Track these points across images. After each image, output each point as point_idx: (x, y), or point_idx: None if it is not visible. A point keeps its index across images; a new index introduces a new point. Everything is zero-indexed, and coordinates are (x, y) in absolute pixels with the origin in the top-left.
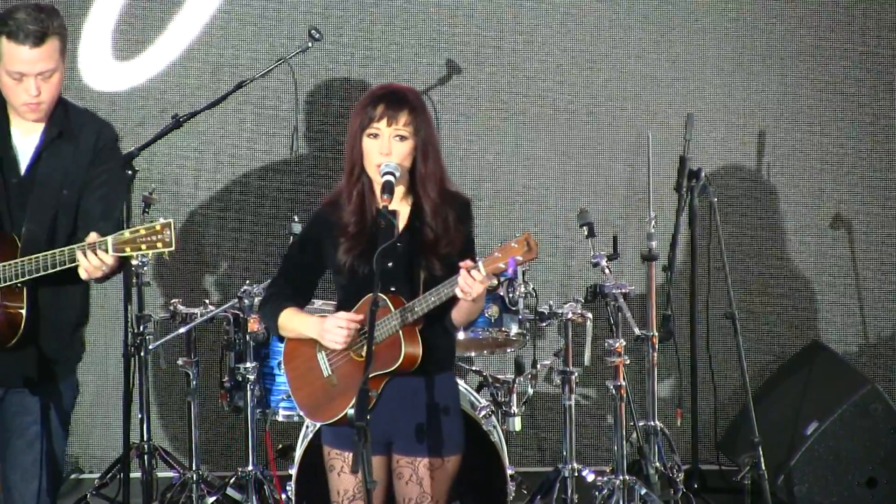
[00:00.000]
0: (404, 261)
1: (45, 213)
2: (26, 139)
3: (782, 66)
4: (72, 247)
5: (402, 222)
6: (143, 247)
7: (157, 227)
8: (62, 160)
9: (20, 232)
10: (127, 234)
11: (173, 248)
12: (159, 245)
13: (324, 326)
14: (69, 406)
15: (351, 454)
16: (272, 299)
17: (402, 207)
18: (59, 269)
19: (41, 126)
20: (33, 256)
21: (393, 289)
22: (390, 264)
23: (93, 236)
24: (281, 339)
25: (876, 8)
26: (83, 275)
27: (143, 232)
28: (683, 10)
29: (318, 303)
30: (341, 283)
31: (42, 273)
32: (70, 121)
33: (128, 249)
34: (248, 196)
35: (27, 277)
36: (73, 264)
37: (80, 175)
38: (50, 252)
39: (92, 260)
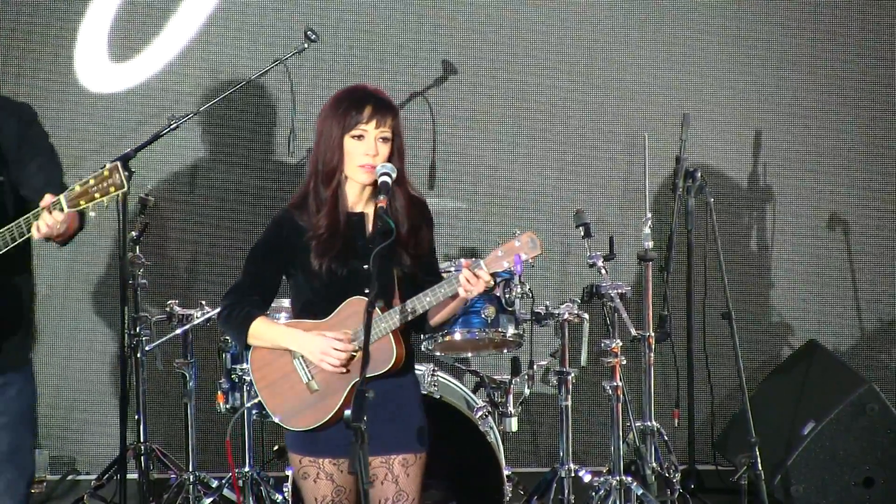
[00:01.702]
0: (380, 261)
1: None
2: None
3: (778, 66)
4: (26, 216)
5: (370, 224)
6: (98, 195)
7: (105, 173)
8: None
9: None
10: (77, 187)
11: (126, 189)
12: (112, 189)
13: (318, 348)
14: (31, 396)
15: (326, 460)
16: (237, 307)
17: (368, 209)
18: (19, 241)
19: None
20: None
21: (367, 290)
22: (365, 266)
23: (47, 198)
24: (246, 348)
25: (873, 7)
26: (37, 235)
27: (92, 182)
28: (680, 11)
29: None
30: (313, 286)
31: (4, 250)
32: None
33: (82, 202)
34: (244, 197)
35: None
36: (31, 234)
37: (10, 158)
38: (6, 227)
39: (47, 219)
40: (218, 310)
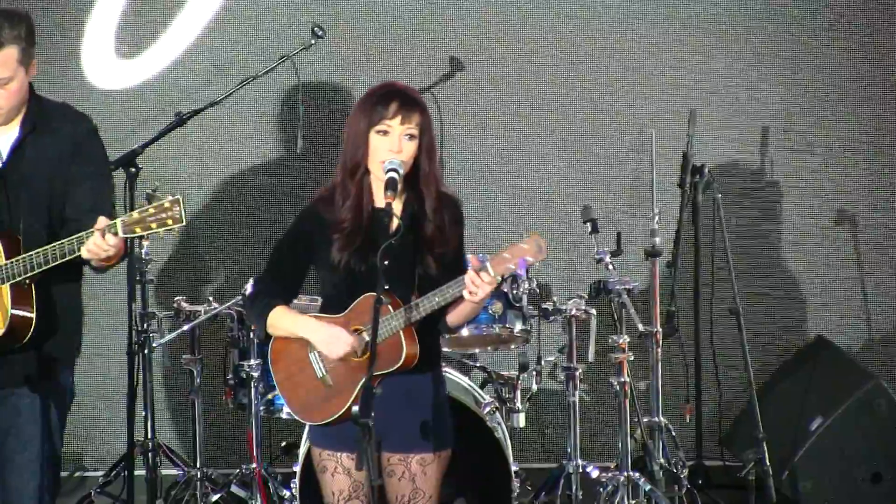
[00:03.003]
0: (400, 259)
1: (39, 206)
2: (3, 137)
3: (785, 62)
4: (80, 234)
5: (395, 220)
6: (154, 225)
7: (167, 205)
8: (43, 152)
9: (17, 227)
10: (136, 214)
11: (184, 224)
12: (170, 222)
13: (326, 336)
14: (65, 405)
15: (344, 454)
16: (260, 297)
17: (395, 205)
18: (67, 258)
19: (17, 124)
20: (40, 249)
21: (387, 287)
22: (386, 262)
23: (101, 220)
24: (268, 337)
25: (879, 4)
26: (86, 255)
27: (151, 211)
28: (687, 7)
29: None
30: (334, 281)
31: (51, 265)
32: (45, 115)
33: (138, 230)
34: (251, 193)
35: (38, 270)
36: (80, 253)
37: (64, 166)
38: (57, 242)
39: (99, 243)
40: (231, 302)
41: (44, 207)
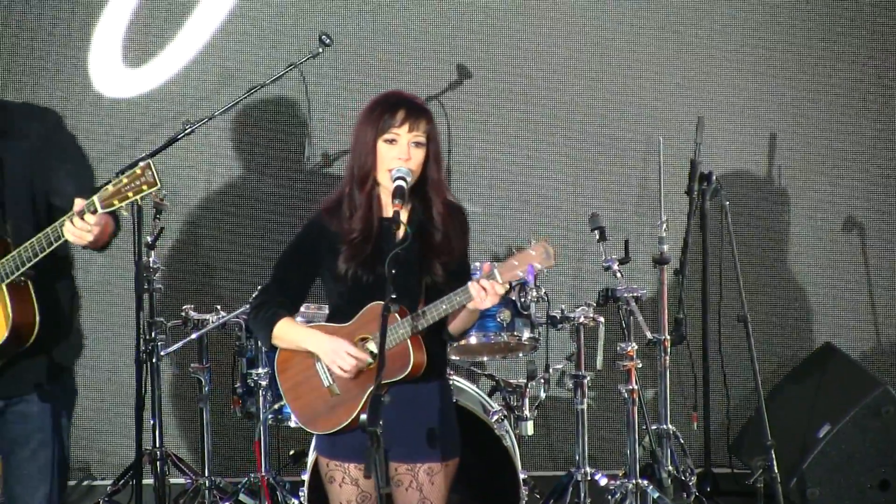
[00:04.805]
0: (407, 267)
1: (22, 205)
2: None
3: (792, 69)
4: (61, 220)
5: (401, 229)
6: (131, 194)
7: (138, 171)
8: (15, 153)
9: (5, 229)
10: (110, 187)
11: (159, 186)
12: (145, 187)
13: (332, 349)
14: (72, 407)
15: (351, 464)
16: (265, 307)
17: (402, 214)
18: (55, 245)
19: None
20: (26, 244)
21: (395, 295)
22: (393, 271)
23: (78, 203)
24: (272, 349)
25: (887, 10)
26: (71, 239)
27: (125, 181)
28: (694, 14)
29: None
30: (340, 291)
31: (40, 256)
32: (10, 118)
33: (116, 202)
34: (258, 202)
35: (29, 265)
36: (65, 238)
37: (39, 162)
38: (42, 233)
39: (78, 224)
40: (239, 311)
41: (28, 207)
